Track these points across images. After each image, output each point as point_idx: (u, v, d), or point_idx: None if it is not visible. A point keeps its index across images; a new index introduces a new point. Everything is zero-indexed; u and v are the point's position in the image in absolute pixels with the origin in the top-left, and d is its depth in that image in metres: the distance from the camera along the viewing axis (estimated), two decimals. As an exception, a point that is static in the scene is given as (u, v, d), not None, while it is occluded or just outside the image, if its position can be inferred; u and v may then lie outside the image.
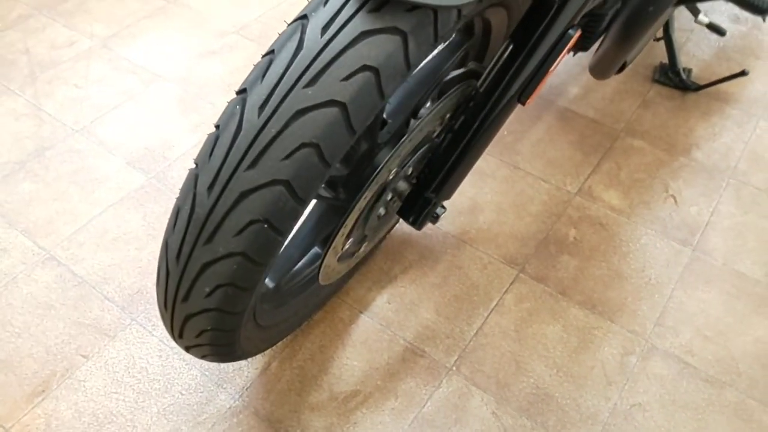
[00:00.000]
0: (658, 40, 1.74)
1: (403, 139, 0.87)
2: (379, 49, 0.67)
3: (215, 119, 1.64)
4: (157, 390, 1.16)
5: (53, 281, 1.32)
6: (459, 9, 0.72)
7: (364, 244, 1.09)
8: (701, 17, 1.55)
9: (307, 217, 1.07)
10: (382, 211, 1.03)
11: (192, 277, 0.73)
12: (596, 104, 1.70)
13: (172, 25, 1.95)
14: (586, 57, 1.83)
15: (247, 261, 0.71)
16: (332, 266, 1.00)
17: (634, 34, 1.15)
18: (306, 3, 0.78)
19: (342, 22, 0.66)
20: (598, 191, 1.49)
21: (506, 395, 1.16)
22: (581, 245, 1.39)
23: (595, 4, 1.04)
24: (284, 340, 1.22)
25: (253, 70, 0.70)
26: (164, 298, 0.77)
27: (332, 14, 0.67)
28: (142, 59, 1.82)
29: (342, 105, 0.66)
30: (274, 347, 1.21)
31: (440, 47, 1.07)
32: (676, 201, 1.48)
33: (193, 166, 0.71)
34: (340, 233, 0.90)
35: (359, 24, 0.66)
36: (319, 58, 0.66)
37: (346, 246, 0.99)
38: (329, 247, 0.91)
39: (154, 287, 1.30)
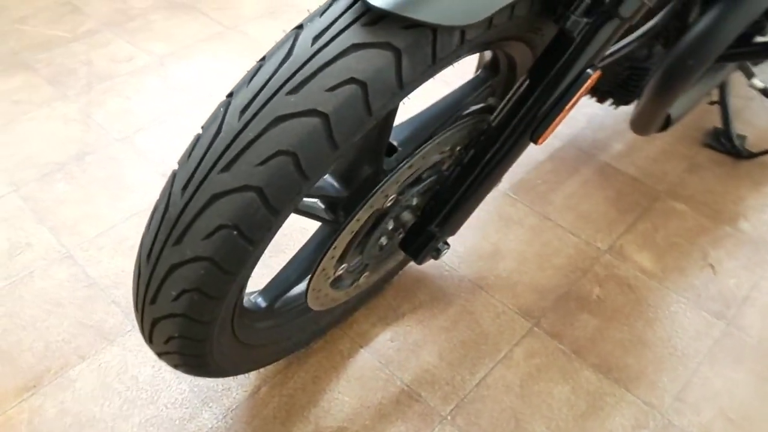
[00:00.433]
0: (712, 103, 1.67)
1: (401, 165, 0.84)
2: (369, 64, 0.65)
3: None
4: (143, 400, 1.14)
5: (66, 279, 1.33)
6: (462, 31, 0.69)
7: (365, 274, 1.05)
8: (755, 81, 1.48)
9: (309, 240, 1.04)
10: (384, 240, 0.99)
11: (160, 278, 0.71)
12: (639, 162, 1.63)
13: (226, 49, 2.01)
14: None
15: (215, 267, 0.69)
16: (324, 291, 0.97)
17: (672, 87, 1.10)
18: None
19: (334, 33, 0.65)
20: (629, 251, 1.41)
21: (500, 454, 1.09)
22: (604, 305, 1.31)
23: (626, 50, 1.00)
24: (277, 365, 1.19)
25: (244, 76, 0.69)
26: (135, 299, 0.76)
27: (326, 25, 0.66)
28: (194, 78, 1.88)
29: (324, 116, 0.64)
30: (265, 371, 1.18)
31: (466, 81, 1.04)
32: (714, 270, 1.38)
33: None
34: (329, 254, 0.87)
35: (351, 36, 0.64)
36: (306, 67, 0.64)
37: (339, 271, 0.96)
38: (317, 269, 0.88)
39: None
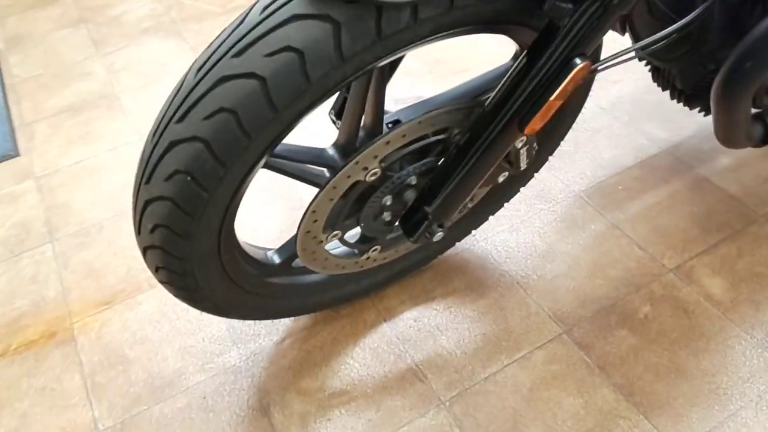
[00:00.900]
0: None
1: (376, 139, 0.87)
2: (307, 34, 0.69)
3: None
4: (188, 330, 1.29)
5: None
6: (415, 8, 0.71)
7: (374, 248, 1.09)
8: None
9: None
10: (387, 216, 1.03)
11: (140, 212, 0.82)
12: (745, 180, 1.46)
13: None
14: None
15: (176, 207, 0.79)
16: (321, 254, 1.02)
17: (733, 93, 0.99)
18: None
19: (281, 3, 0.71)
20: (700, 274, 1.29)
21: (485, 449, 1.08)
22: (649, 325, 1.22)
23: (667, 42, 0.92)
24: (305, 322, 1.27)
25: (215, 40, 0.77)
26: (133, 228, 0.88)
27: (279, -4, 0.71)
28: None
29: (262, 79, 0.70)
30: (293, 325, 1.27)
31: (491, 69, 1.03)
32: (797, 311, 1.22)
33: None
34: (309, 217, 0.92)
35: (294, 7, 0.70)
36: (251, 33, 0.71)
37: (332, 238, 1.01)
38: (299, 228, 0.94)
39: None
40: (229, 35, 0.73)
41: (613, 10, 0.76)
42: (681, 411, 1.10)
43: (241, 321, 1.28)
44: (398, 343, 1.24)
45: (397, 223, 1.04)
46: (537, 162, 1.20)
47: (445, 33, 0.78)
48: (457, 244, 1.36)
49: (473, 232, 1.37)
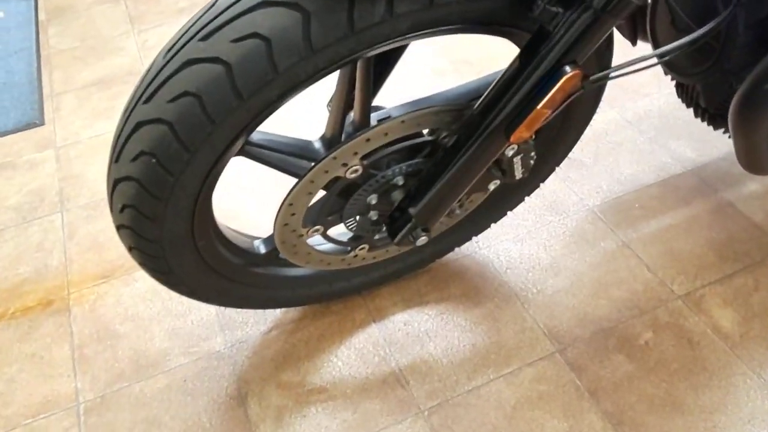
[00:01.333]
0: None
1: (356, 135, 0.84)
2: (275, 21, 0.67)
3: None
4: (178, 312, 1.29)
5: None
6: (390, 3, 0.67)
7: (361, 247, 1.06)
8: None
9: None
10: (374, 216, 1.00)
11: (110, 190, 0.82)
12: (773, 209, 1.37)
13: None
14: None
15: (143, 189, 0.78)
16: (303, 248, 1.00)
17: (751, 116, 0.92)
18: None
19: (252, -11, 0.68)
20: (710, 304, 1.22)
21: (458, 464, 1.04)
22: (649, 353, 1.16)
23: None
24: (293, 314, 1.26)
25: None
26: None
27: (248, -18, 0.69)
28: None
29: (227, 65, 0.68)
30: (281, 317, 1.26)
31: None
32: (811, 353, 1.13)
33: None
34: (285, 209, 0.90)
35: (264, -7, 0.67)
36: (219, 18, 0.69)
37: (313, 233, 0.98)
38: (276, 219, 0.92)
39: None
40: (200, 18, 0.71)
41: (605, 19, 0.71)
42: (670, 447, 1.04)
43: (232, 308, 1.27)
44: (385, 345, 1.21)
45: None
46: (542, 172, 1.15)
47: (429, 30, 0.75)
48: (458, 249, 1.32)
49: (474, 238, 1.33)
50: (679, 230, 1.35)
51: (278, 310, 1.27)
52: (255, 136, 0.87)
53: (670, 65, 1.12)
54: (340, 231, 1.06)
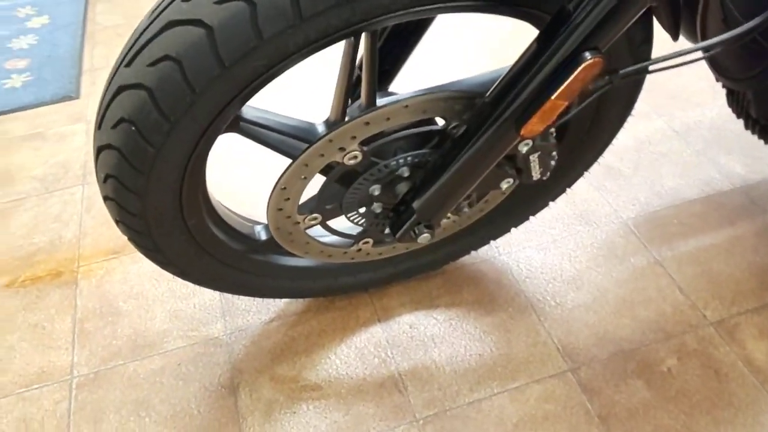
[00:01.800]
0: None
1: (356, 117, 0.78)
2: (262, -15, 0.62)
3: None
4: (182, 294, 1.26)
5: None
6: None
7: (365, 241, 1.00)
8: None
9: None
10: (377, 208, 0.94)
11: (95, 159, 0.78)
12: (829, 237, 1.25)
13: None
14: None
15: (123, 159, 0.74)
16: (298, 236, 0.95)
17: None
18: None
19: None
20: (744, 334, 1.11)
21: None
22: (671, 381, 1.06)
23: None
24: (297, 307, 1.21)
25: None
26: None
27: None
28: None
29: (209, 28, 0.64)
30: (285, 308, 1.21)
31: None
32: None
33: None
34: (278, 192, 0.85)
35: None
36: (204, -21, 0.64)
37: (310, 221, 0.93)
38: (268, 203, 0.87)
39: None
40: (184, -21, 0.67)
41: (632, 1, 0.63)
42: (684, 486, 0.94)
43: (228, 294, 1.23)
44: (387, 347, 1.15)
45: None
46: (568, 176, 1.07)
47: (434, 6, 0.68)
48: (476, 253, 1.25)
49: (494, 243, 1.25)
50: (720, 251, 1.24)
51: (282, 301, 1.23)
52: (249, 113, 0.82)
53: (718, 68, 1.02)
54: (345, 225, 1.00)
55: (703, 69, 1.07)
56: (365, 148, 0.83)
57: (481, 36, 1.88)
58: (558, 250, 1.27)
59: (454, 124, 0.84)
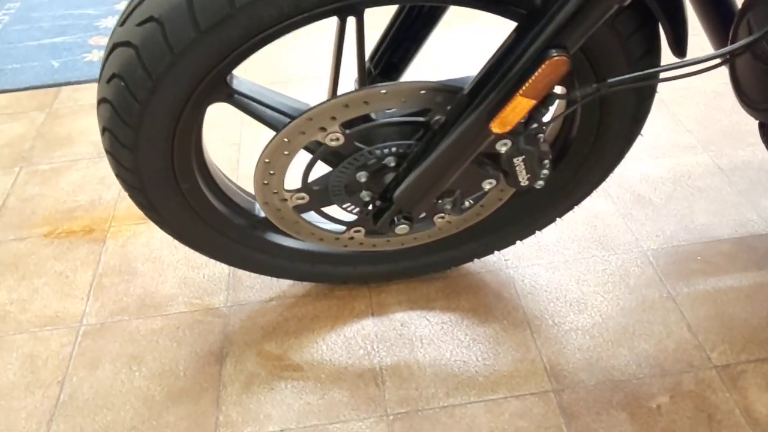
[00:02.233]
0: None
1: (336, 97, 0.80)
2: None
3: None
4: (196, 263, 1.32)
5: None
6: None
7: (356, 229, 1.02)
8: None
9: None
10: (366, 196, 0.95)
11: (97, 111, 0.84)
12: None
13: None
14: None
15: (115, 112, 0.79)
16: (287, 215, 0.98)
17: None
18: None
19: None
20: (748, 383, 1.04)
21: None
22: (657, 419, 1.01)
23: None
24: (297, 290, 1.24)
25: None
26: None
27: None
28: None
29: None
30: (287, 290, 1.24)
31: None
32: None
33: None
34: (261, 165, 0.88)
35: None
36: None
37: (297, 199, 0.95)
38: (256, 167, 0.89)
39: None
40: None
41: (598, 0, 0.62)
42: None
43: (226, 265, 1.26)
44: (374, 340, 1.15)
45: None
46: (575, 193, 1.04)
47: None
48: (481, 263, 1.24)
49: (503, 255, 1.24)
50: (740, 295, 1.17)
51: (286, 283, 1.26)
52: (243, 86, 0.86)
53: (744, 98, 0.97)
54: (339, 214, 1.02)
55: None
56: (347, 131, 0.85)
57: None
58: (568, 271, 1.24)
59: (437, 117, 0.84)
